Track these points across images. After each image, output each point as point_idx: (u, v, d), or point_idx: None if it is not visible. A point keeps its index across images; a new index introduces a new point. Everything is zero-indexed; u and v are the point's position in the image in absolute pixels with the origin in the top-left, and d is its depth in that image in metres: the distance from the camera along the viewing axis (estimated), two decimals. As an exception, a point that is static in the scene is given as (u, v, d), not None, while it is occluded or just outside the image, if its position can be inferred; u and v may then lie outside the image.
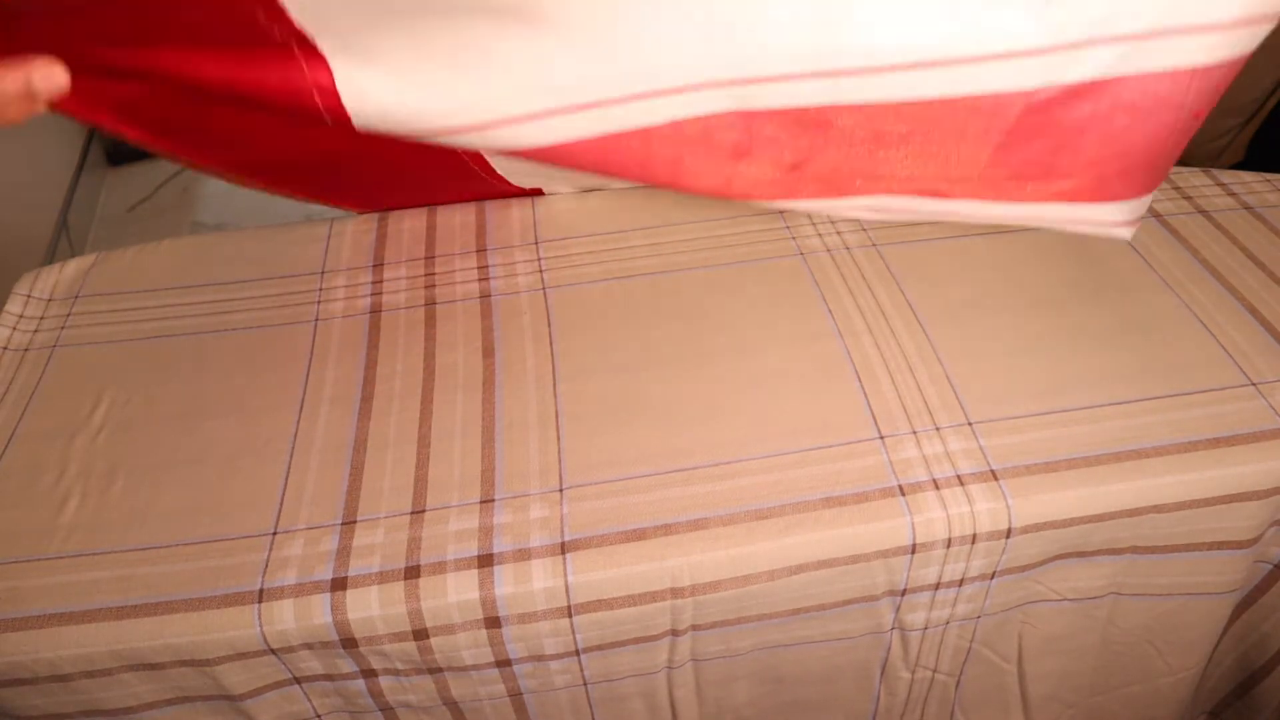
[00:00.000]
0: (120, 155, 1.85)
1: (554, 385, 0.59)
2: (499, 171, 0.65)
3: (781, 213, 0.72)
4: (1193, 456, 0.52)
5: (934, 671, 0.60)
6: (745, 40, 0.33)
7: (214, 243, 0.73)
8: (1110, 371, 0.58)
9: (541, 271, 0.67)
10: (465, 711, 0.55)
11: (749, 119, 0.35)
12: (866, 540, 0.50)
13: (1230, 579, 0.57)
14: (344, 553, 0.49)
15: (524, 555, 0.49)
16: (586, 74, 0.34)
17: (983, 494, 0.51)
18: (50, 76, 0.39)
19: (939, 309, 0.63)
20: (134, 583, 0.48)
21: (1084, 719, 0.67)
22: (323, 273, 0.69)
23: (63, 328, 0.65)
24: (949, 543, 0.51)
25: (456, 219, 0.73)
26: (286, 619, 0.47)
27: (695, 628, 0.53)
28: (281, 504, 0.52)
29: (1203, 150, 1.14)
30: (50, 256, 1.50)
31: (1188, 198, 0.72)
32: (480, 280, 0.67)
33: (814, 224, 0.70)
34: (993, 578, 0.54)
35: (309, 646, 0.48)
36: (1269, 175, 0.75)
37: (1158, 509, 0.52)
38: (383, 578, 0.48)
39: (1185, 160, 0.67)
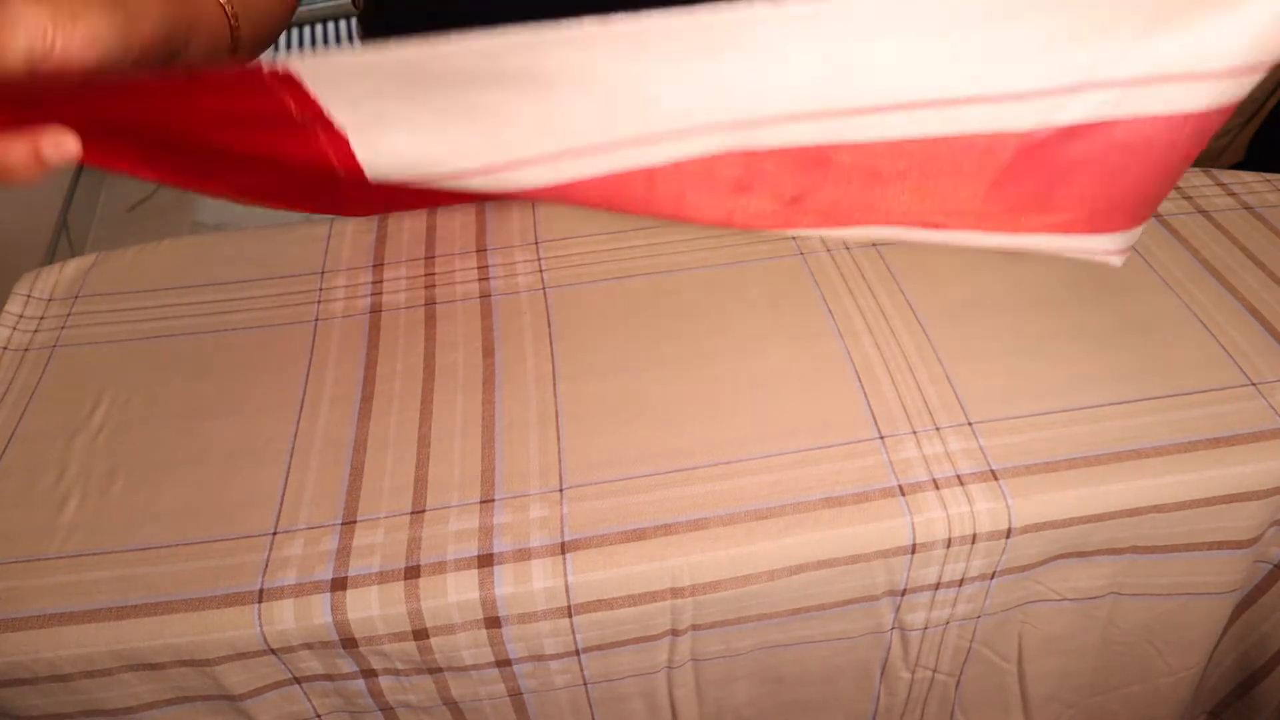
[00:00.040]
0: (120, 155, 1.85)
1: (554, 385, 0.59)
2: None
3: (781, 213, 0.72)
4: (1193, 456, 0.52)
5: (934, 671, 0.60)
6: (747, 99, 0.34)
7: (214, 243, 0.73)
8: (1110, 371, 0.58)
9: (541, 271, 0.67)
10: (465, 711, 0.55)
11: (749, 157, 0.37)
12: (866, 540, 0.50)
13: (1230, 579, 0.57)
14: (344, 553, 0.49)
15: (524, 555, 0.49)
16: (592, 125, 0.35)
17: (983, 494, 0.51)
18: (60, 145, 0.40)
19: (939, 309, 0.63)
20: (134, 583, 0.48)
21: (1084, 719, 0.67)
22: (323, 273, 0.69)
23: (63, 328, 0.65)
24: (949, 543, 0.51)
25: (456, 219, 0.73)
26: (286, 619, 0.47)
27: (695, 628, 0.53)
28: (281, 504, 0.52)
29: (1203, 150, 1.14)
30: (50, 256, 1.50)
31: (1188, 198, 0.72)
32: (480, 280, 0.67)
33: (814, 224, 0.70)
34: (993, 578, 0.54)
35: (309, 646, 0.48)
36: (1269, 175, 0.75)
37: (1158, 509, 0.52)
38: (383, 578, 0.48)
39: (1185, 160, 0.67)
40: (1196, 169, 0.75)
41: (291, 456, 0.55)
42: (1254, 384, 0.56)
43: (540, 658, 0.52)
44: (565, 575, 0.48)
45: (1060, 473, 0.52)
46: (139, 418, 0.58)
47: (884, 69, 0.33)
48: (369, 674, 0.51)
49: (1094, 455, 0.52)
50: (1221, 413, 0.55)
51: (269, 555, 0.49)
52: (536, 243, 0.70)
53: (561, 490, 0.52)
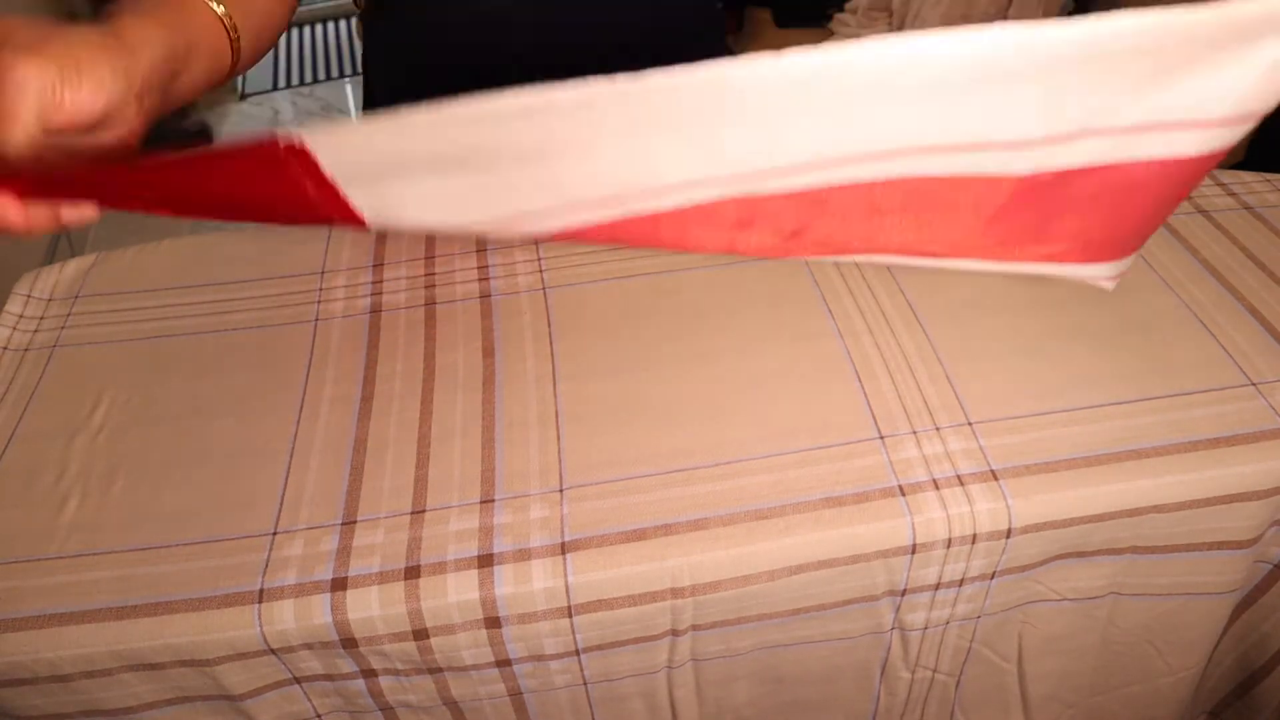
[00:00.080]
0: (120, 155, 1.84)
1: (554, 385, 0.59)
2: None
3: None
4: (1193, 456, 0.52)
5: (934, 671, 0.60)
6: (750, 161, 0.35)
7: (214, 243, 0.73)
8: (1110, 371, 0.58)
9: (541, 271, 0.67)
10: (465, 711, 0.55)
11: (750, 200, 0.38)
12: (866, 540, 0.50)
13: (1230, 579, 0.57)
14: (344, 553, 0.49)
15: (524, 555, 0.49)
16: (598, 190, 0.38)
17: (983, 494, 0.51)
18: (78, 210, 0.41)
19: (939, 309, 0.63)
20: (134, 583, 0.48)
21: (1084, 719, 0.67)
22: (323, 273, 0.69)
23: (63, 328, 0.65)
24: (949, 543, 0.51)
25: (456, 219, 0.73)
26: (286, 619, 0.47)
27: (695, 628, 0.53)
28: (281, 504, 0.52)
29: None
30: (50, 256, 1.50)
31: (1188, 198, 0.72)
32: (480, 280, 0.67)
33: (814, 224, 0.70)
34: (993, 578, 0.54)
35: (309, 646, 0.48)
36: (1269, 175, 0.75)
37: (1158, 509, 0.52)
38: (383, 578, 0.48)
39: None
40: (1196, 169, 0.75)
41: (291, 456, 0.55)
42: (1254, 384, 0.56)
43: (540, 658, 0.52)
44: (565, 575, 0.48)
45: (1060, 473, 0.52)
46: (139, 418, 0.58)
47: (883, 123, 0.34)
48: (369, 674, 0.51)
49: (1094, 455, 0.52)
50: (1221, 413, 0.55)
51: (269, 555, 0.49)
52: (536, 243, 0.70)
53: (562, 490, 0.52)
